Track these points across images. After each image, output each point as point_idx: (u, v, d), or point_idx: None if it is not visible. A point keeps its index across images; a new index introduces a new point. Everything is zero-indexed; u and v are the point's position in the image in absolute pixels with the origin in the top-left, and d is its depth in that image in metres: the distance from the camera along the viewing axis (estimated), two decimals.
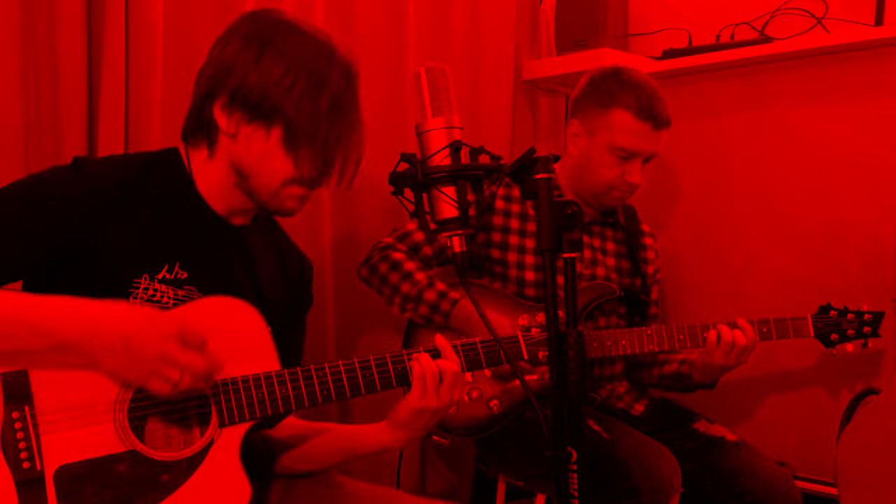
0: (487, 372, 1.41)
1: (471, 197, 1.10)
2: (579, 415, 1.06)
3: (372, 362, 1.27)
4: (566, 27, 2.55)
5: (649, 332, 1.85)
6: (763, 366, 2.33)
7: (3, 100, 1.64)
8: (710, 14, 2.47)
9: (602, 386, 2.02)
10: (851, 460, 1.73)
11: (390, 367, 1.28)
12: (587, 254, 2.02)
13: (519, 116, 2.62)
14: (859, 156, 2.24)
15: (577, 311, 1.08)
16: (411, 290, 1.86)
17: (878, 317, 1.89)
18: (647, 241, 2.15)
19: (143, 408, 1.17)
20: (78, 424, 1.13)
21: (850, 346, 1.89)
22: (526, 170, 1.08)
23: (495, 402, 1.82)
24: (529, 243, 1.96)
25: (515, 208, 1.98)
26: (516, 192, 1.98)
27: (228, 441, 1.20)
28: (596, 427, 1.79)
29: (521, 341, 1.44)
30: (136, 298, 1.20)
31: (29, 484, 1.10)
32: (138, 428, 1.16)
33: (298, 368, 1.24)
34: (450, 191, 1.09)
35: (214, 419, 1.19)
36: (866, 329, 1.89)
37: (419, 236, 1.95)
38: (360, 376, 1.26)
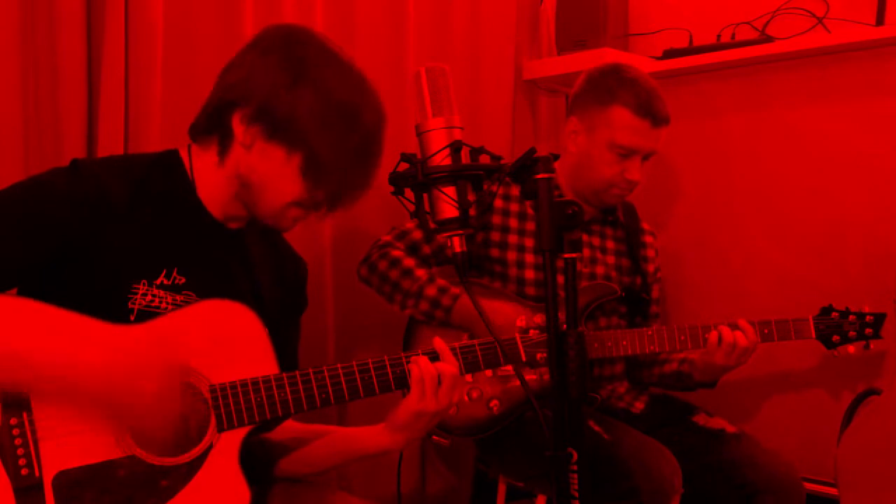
0: (488, 372, 1.41)
1: (471, 197, 1.10)
2: (580, 415, 1.06)
3: (370, 365, 1.27)
4: (566, 27, 2.54)
5: (650, 332, 1.85)
6: (764, 366, 2.32)
7: (2, 100, 1.63)
8: (711, 14, 2.47)
9: (602, 386, 2.02)
10: (852, 461, 1.73)
11: (389, 370, 1.28)
12: (587, 252, 2.02)
13: (519, 116, 2.62)
14: (860, 156, 2.24)
15: (577, 311, 1.07)
16: (412, 286, 1.86)
17: (879, 318, 1.89)
18: (647, 239, 2.15)
19: None
20: (76, 430, 1.13)
21: (851, 348, 1.89)
22: (526, 170, 1.08)
23: (495, 402, 1.82)
24: (529, 242, 1.96)
25: (514, 207, 1.98)
26: (515, 191, 1.98)
27: (227, 445, 1.20)
28: (596, 428, 1.78)
29: (520, 343, 1.43)
30: (134, 304, 1.20)
31: (28, 490, 1.10)
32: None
33: (297, 372, 1.23)
34: (450, 191, 1.09)
35: (213, 424, 1.19)
36: (868, 330, 1.89)
37: (418, 235, 1.95)
38: (358, 380, 1.26)
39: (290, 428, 1.41)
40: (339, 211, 1.28)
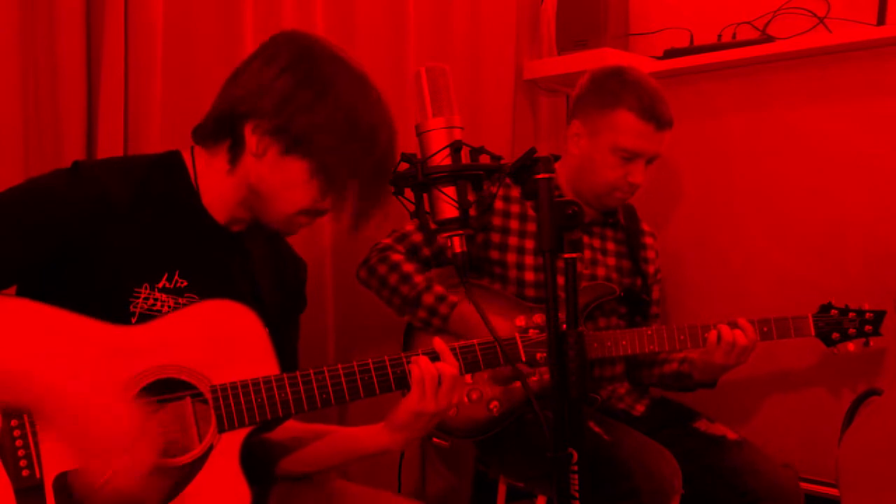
0: (487, 373, 1.41)
1: (471, 197, 1.10)
2: (580, 416, 1.06)
3: (371, 366, 1.27)
4: (567, 27, 2.54)
5: (649, 332, 1.85)
6: (764, 366, 2.32)
7: (2, 100, 1.63)
8: (712, 13, 2.47)
9: (602, 387, 2.01)
10: (853, 461, 1.72)
11: (389, 370, 1.28)
12: (587, 254, 2.02)
13: (519, 116, 2.61)
14: (860, 156, 2.24)
15: (577, 311, 1.07)
16: (409, 292, 1.85)
17: (879, 315, 1.89)
18: (648, 240, 2.14)
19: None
20: None
21: (851, 346, 1.89)
22: (527, 170, 1.08)
23: (495, 403, 1.82)
24: (529, 244, 1.95)
25: (515, 209, 1.97)
26: (515, 192, 1.98)
27: (228, 446, 1.19)
28: (597, 428, 1.78)
29: (519, 343, 1.43)
30: (135, 307, 1.20)
31: (28, 491, 1.10)
32: None
33: (298, 372, 1.23)
34: (450, 191, 1.09)
35: (213, 424, 1.19)
36: (868, 328, 1.89)
37: (418, 237, 1.95)
38: (358, 380, 1.26)
39: (290, 428, 1.41)
40: (363, 227, 1.28)
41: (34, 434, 1.11)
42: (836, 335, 1.88)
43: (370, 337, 2.25)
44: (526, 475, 1.97)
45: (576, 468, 1.06)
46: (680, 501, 1.75)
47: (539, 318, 1.45)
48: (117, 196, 1.20)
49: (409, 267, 1.89)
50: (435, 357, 1.30)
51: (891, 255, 2.16)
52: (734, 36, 2.42)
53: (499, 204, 1.96)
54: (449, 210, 1.09)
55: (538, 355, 1.44)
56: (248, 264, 1.36)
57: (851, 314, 1.89)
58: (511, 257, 1.95)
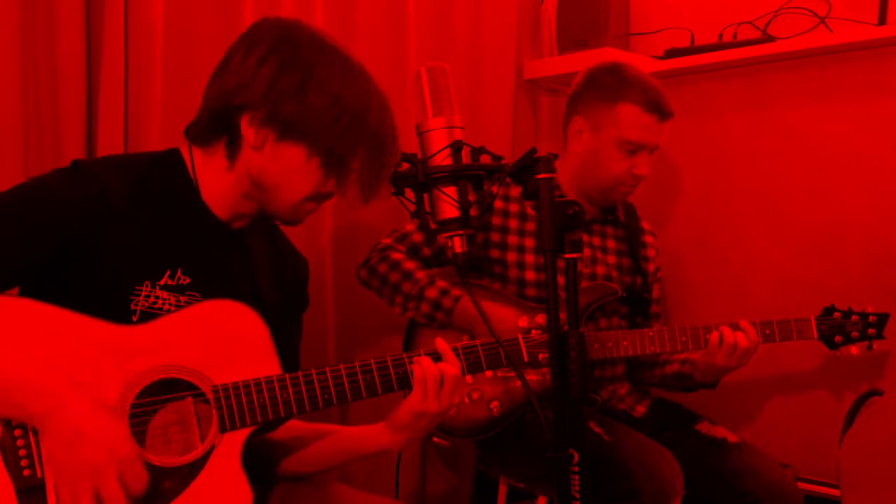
0: (489, 373, 1.41)
1: (472, 197, 1.10)
2: (580, 416, 1.05)
3: (373, 365, 1.27)
4: (567, 26, 2.54)
5: (651, 333, 1.85)
6: (765, 367, 2.32)
7: (2, 100, 1.63)
8: (712, 13, 2.46)
9: (603, 387, 2.01)
10: (854, 462, 1.72)
11: (391, 370, 1.28)
12: (587, 252, 2.02)
13: (520, 116, 2.61)
14: (860, 156, 2.23)
15: (578, 312, 1.07)
16: (412, 288, 1.85)
17: (882, 318, 1.88)
18: (648, 238, 2.14)
19: (144, 413, 1.16)
20: None
21: (854, 349, 1.88)
22: (527, 170, 1.08)
23: (496, 403, 1.81)
24: (529, 243, 1.95)
25: (514, 208, 1.97)
26: (514, 191, 1.98)
27: (229, 446, 1.19)
28: (597, 429, 1.78)
29: (522, 343, 1.43)
30: (136, 305, 1.19)
31: (29, 491, 1.10)
32: (139, 434, 1.16)
33: (299, 372, 1.23)
34: (451, 191, 1.08)
35: (215, 424, 1.18)
36: (870, 331, 1.88)
37: (418, 237, 1.95)
38: (360, 380, 1.26)
39: (291, 427, 1.40)
40: (372, 200, 1.28)
41: (35, 434, 1.11)
42: (838, 338, 1.87)
43: (371, 336, 2.24)
44: (526, 475, 1.97)
45: (576, 469, 1.06)
46: (681, 503, 1.75)
47: (541, 319, 1.45)
48: (117, 194, 1.20)
49: (409, 264, 1.89)
50: (437, 357, 1.30)
51: (891, 255, 2.15)
52: (735, 36, 2.41)
53: (497, 203, 1.96)
54: (449, 210, 1.09)
55: (540, 356, 1.43)
56: (249, 262, 1.36)
57: (854, 317, 1.88)
58: (511, 256, 1.95)
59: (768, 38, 2.32)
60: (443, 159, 1.08)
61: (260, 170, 1.25)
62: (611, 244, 2.07)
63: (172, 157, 1.30)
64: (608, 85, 1.92)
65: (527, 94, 2.66)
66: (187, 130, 1.29)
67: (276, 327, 1.26)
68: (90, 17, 1.69)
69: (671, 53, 2.48)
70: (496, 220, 1.95)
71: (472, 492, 2.39)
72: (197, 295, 1.25)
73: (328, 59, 1.23)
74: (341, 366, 1.25)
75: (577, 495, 1.05)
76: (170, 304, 1.22)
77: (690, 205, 2.55)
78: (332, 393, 1.24)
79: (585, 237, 2.02)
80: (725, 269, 2.47)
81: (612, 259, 2.05)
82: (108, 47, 1.69)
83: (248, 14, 1.92)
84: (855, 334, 1.88)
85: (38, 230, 1.15)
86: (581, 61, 2.40)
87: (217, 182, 1.28)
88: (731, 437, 1.91)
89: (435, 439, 1.89)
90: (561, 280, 1.04)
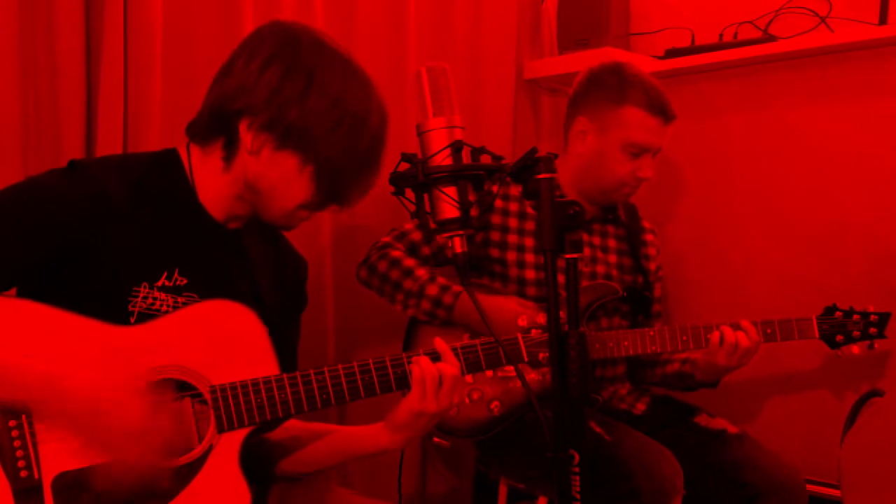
0: (489, 373, 1.41)
1: (472, 197, 1.10)
2: (581, 416, 1.05)
3: (371, 366, 1.26)
4: (568, 26, 2.53)
5: (652, 333, 1.84)
6: (766, 367, 2.32)
7: (2, 100, 1.63)
8: (713, 13, 2.46)
9: (604, 387, 2.01)
10: (855, 463, 1.72)
11: (390, 370, 1.27)
12: (587, 252, 2.01)
13: (520, 116, 2.61)
14: (860, 156, 2.23)
15: (579, 311, 1.07)
16: (413, 285, 1.85)
17: (884, 318, 1.88)
18: (648, 237, 2.14)
19: None
20: None
21: (855, 348, 1.88)
22: (528, 170, 1.08)
23: (496, 403, 1.81)
24: (529, 242, 1.95)
25: (514, 207, 1.97)
26: (514, 191, 1.97)
27: (227, 447, 1.19)
28: (598, 429, 1.78)
29: (521, 343, 1.43)
30: (134, 306, 1.19)
31: (27, 493, 1.09)
32: None
33: (297, 373, 1.23)
34: (451, 191, 1.08)
35: (213, 425, 1.18)
36: (872, 330, 1.87)
37: (417, 236, 1.94)
38: (359, 380, 1.26)
39: (289, 427, 1.40)
40: (348, 208, 1.29)
41: (32, 435, 1.10)
42: (840, 337, 1.87)
43: (370, 337, 2.24)
44: (526, 476, 1.97)
45: (577, 469, 1.05)
46: (682, 502, 1.75)
47: (542, 318, 1.45)
48: (116, 195, 1.20)
49: (409, 262, 1.89)
50: (436, 357, 1.29)
51: (891, 254, 2.15)
52: (735, 35, 2.41)
53: (498, 202, 1.96)
54: (449, 210, 1.09)
55: (540, 355, 1.43)
56: (248, 262, 1.35)
57: (856, 316, 1.88)
58: (511, 255, 1.95)
59: (769, 38, 2.31)
60: (443, 159, 1.08)
61: (256, 175, 1.25)
62: (611, 243, 2.07)
63: (170, 157, 1.30)
64: (612, 86, 1.92)
65: (527, 94, 2.66)
66: (188, 128, 1.29)
67: (275, 327, 1.26)
68: (90, 17, 1.69)
69: (672, 53, 2.48)
70: (496, 219, 1.95)
71: (472, 492, 2.39)
72: (195, 296, 1.24)
73: (329, 62, 1.22)
74: (339, 366, 1.25)
75: (578, 495, 1.05)
76: (167, 305, 1.22)
77: (690, 205, 2.55)
78: (331, 393, 1.24)
79: (586, 236, 2.02)
80: (725, 269, 2.47)
81: (612, 258, 2.05)
82: (108, 47, 1.68)
83: (248, 14, 1.91)
84: (856, 333, 1.87)
85: (39, 230, 1.15)
86: (582, 61, 2.40)
87: (213, 183, 1.28)
88: (731, 428, 1.90)
89: (436, 440, 1.89)
90: (561, 279, 1.03)
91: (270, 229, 1.41)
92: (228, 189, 1.28)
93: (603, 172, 1.94)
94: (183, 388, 1.18)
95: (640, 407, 2.02)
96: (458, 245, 1.10)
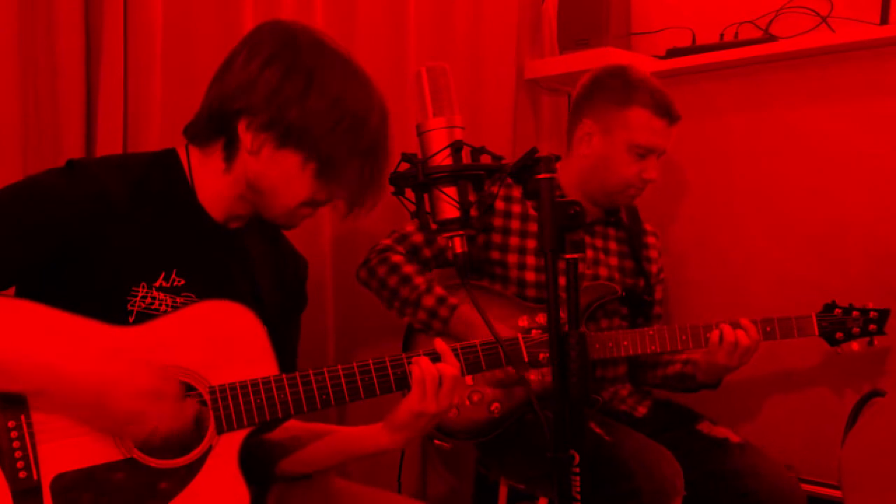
0: (489, 374, 1.41)
1: (472, 197, 1.09)
2: (581, 417, 1.05)
3: (371, 366, 1.26)
4: (568, 26, 2.53)
5: (651, 332, 1.84)
6: (767, 366, 2.31)
7: (2, 100, 1.63)
8: (714, 13, 2.46)
9: (605, 388, 2.01)
10: (856, 463, 1.71)
11: (390, 370, 1.27)
12: (589, 254, 2.01)
13: (521, 116, 2.61)
14: (861, 156, 2.23)
15: (579, 312, 1.07)
16: (410, 294, 1.85)
17: (883, 314, 1.88)
18: (650, 240, 2.14)
19: None
20: (74, 433, 1.12)
21: (855, 345, 1.88)
22: (528, 170, 1.07)
23: (496, 404, 1.81)
24: (530, 244, 1.95)
25: (516, 209, 1.97)
26: (516, 192, 1.97)
27: (226, 447, 1.19)
28: (597, 429, 1.77)
29: (522, 343, 1.42)
30: (133, 306, 1.19)
31: (26, 493, 1.09)
32: None
33: (297, 373, 1.23)
34: (451, 191, 1.08)
35: (212, 426, 1.18)
36: (872, 327, 1.88)
37: (418, 238, 1.94)
38: (359, 380, 1.25)
39: (289, 427, 1.40)
40: (361, 212, 1.28)
41: (31, 435, 1.10)
42: (839, 335, 1.87)
43: (370, 337, 2.24)
44: (526, 476, 1.97)
45: (577, 469, 1.05)
46: (682, 503, 1.74)
47: (542, 319, 1.45)
48: (116, 195, 1.20)
49: (409, 268, 1.88)
50: (436, 357, 1.29)
51: (891, 254, 2.15)
52: (736, 35, 2.41)
53: (500, 204, 1.96)
54: (450, 210, 1.09)
55: (541, 356, 1.43)
56: (248, 262, 1.35)
57: (855, 313, 1.88)
58: (512, 258, 1.94)
59: (770, 38, 2.31)
60: (443, 159, 1.08)
61: (256, 174, 1.25)
62: (613, 246, 2.07)
63: (170, 157, 1.30)
64: (617, 88, 1.93)
65: (528, 94, 2.66)
66: (186, 129, 1.29)
67: (275, 327, 1.26)
68: (90, 17, 1.69)
69: (672, 53, 2.48)
70: (498, 221, 1.95)
71: (473, 493, 2.38)
72: (193, 296, 1.24)
73: (329, 62, 1.22)
74: (339, 366, 1.25)
75: (578, 496, 1.05)
76: (166, 306, 1.22)
77: (691, 204, 2.55)
78: (330, 394, 1.24)
79: (588, 239, 2.02)
80: (726, 269, 2.47)
81: (614, 261, 2.05)
82: (108, 47, 1.68)
83: (248, 14, 1.91)
84: (856, 330, 1.87)
85: (38, 230, 1.15)
86: (582, 61, 2.40)
87: (214, 183, 1.28)
88: (734, 437, 1.90)
89: (437, 441, 1.88)
90: (562, 280, 1.03)
91: (271, 229, 1.41)
92: (230, 189, 1.28)
93: (608, 174, 1.94)
94: (183, 388, 1.18)
95: (642, 410, 2.02)
96: (459, 245, 1.09)
